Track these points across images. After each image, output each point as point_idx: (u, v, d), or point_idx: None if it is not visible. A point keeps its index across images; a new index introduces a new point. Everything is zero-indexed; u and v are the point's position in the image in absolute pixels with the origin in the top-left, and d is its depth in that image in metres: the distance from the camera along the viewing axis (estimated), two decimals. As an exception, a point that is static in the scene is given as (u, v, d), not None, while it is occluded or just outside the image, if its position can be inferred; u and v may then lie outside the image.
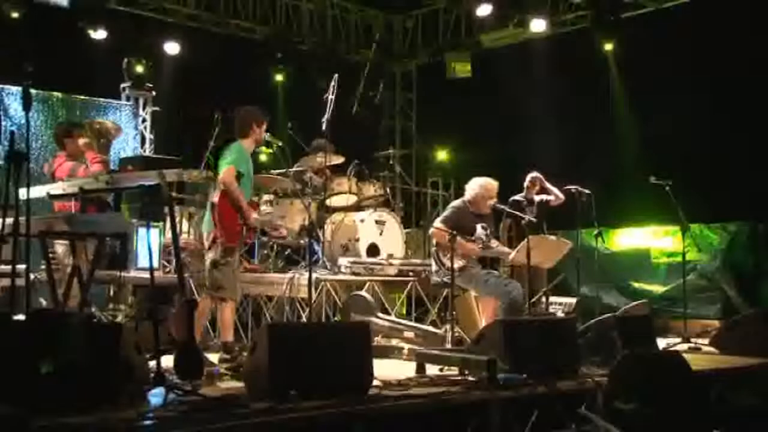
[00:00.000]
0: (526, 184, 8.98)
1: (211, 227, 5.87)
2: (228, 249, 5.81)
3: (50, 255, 5.62)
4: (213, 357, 5.88)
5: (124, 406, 3.87)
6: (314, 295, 6.69)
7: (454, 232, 6.54)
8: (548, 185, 8.85)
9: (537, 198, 8.97)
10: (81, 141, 6.61)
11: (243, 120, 6.11)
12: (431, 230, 7.19)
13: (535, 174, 9.00)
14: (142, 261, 7.89)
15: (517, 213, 7.72)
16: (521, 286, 6.84)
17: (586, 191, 8.19)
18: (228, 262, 5.83)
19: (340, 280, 7.54)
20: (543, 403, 4.63)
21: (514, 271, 7.80)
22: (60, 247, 6.10)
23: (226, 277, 5.84)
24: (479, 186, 7.15)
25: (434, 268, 7.10)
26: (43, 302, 6.27)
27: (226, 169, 5.82)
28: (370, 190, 8.60)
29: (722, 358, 6.68)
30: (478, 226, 6.99)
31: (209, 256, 5.85)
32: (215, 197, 5.84)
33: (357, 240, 7.86)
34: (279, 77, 12.25)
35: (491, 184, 7.18)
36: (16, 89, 9.88)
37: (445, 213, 7.22)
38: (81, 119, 10.17)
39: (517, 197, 8.86)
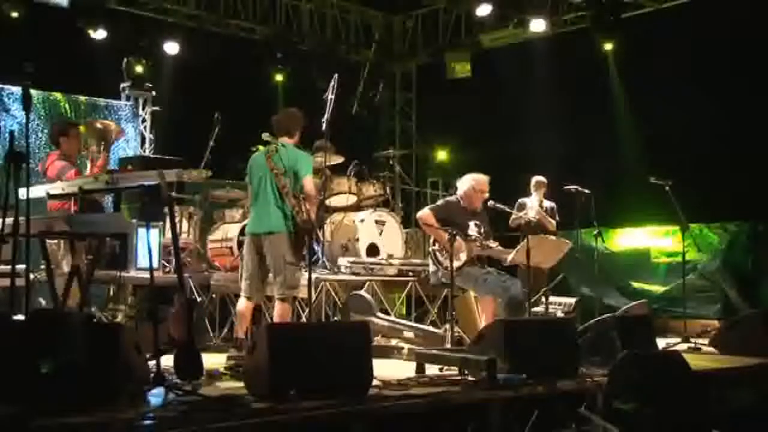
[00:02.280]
0: (532, 187, 9.02)
1: (282, 229, 5.87)
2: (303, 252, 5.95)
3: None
4: (213, 357, 5.88)
5: (124, 406, 3.87)
6: (314, 295, 6.69)
7: (454, 232, 6.53)
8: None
9: (547, 204, 8.99)
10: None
11: (293, 121, 6.18)
12: (418, 214, 7.18)
13: (540, 177, 9.03)
14: (142, 261, 7.88)
15: (515, 212, 7.73)
16: (521, 284, 6.84)
17: (586, 191, 8.19)
18: (302, 264, 6.00)
19: (340, 280, 7.54)
20: (543, 403, 4.63)
21: (518, 271, 7.80)
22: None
23: (299, 278, 6.02)
24: (470, 181, 7.14)
25: (432, 268, 7.10)
26: (42, 302, 6.27)
27: (311, 181, 5.97)
28: (370, 190, 8.60)
29: (722, 358, 6.68)
30: (471, 224, 6.98)
31: (287, 258, 5.85)
32: (306, 211, 5.85)
33: (357, 240, 7.86)
34: (279, 77, 12.25)
35: (482, 178, 7.16)
36: (16, 89, 9.89)
37: (437, 203, 7.27)
38: (81, 119, 10.19)
39: (525, 200, 8.89)
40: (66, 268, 5.38)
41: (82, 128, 6.73)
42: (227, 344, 6.95)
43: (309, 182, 5.96)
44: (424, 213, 7.08)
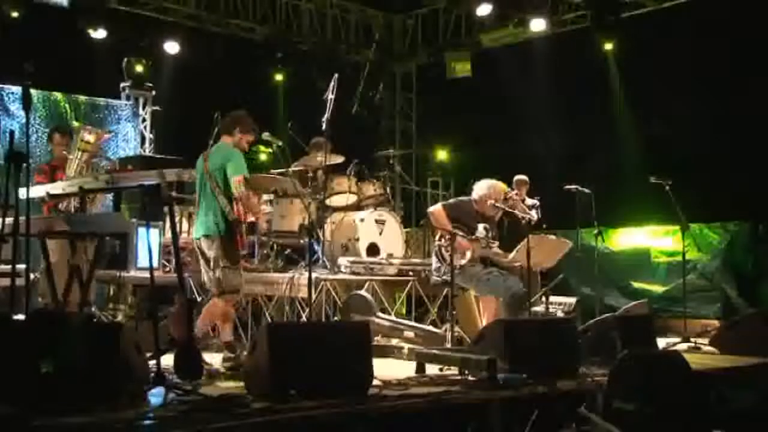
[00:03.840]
0: (514, 184, 9.04)
1: (214, 231, 5.85)
2: (239, 252, 5.91)
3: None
4: (213, 357, 5.88)
5: (124, 406, 3.87)
6: (314, 295, 6.69)
7: (455, 231, 6.54)
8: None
9: (530, 201, 9.00)
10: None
11: (234, 122, 6.10)
12: (430, 209, 7.21)
13: (522, 176, 9.04)
14: (142, 261, 7.88)
15: (516, 212, 7.72)
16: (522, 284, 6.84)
17: (586, 191, 8.18)
18: (240, 264, 5.96)
19: (340, 279, 7.54)
20: (543, 403, 4.63)
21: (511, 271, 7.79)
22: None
23: (238, 279, 5.92)
24: (487, 187, 7.14)
25: (434, 266, 7.10)
26: (41, 300, 6.26)
27: (238, 181, 5.83)
28: (370, 189, 8.60)
29: (722, 358, 6.69)
30: (480, 226, 6.99)
31: (222, 262, 5.83)
32: (234, 211, 5.83)
33: (357, 239, 7.86)
34: (279, 77, 12.27)
35: (499, 186, 7.18)
36: (16, 89, 9.89)
37: (450, 201, 7.29)
38: (82, 119, 10.20)
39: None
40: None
41: (75, 123, 6.69)
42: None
43: (236, 182, 5.80)
44: (436, 208, 7.12)
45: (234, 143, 6.05)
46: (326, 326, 6.06)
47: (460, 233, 6.71)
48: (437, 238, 7.15)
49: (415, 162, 13.73)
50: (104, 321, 6.69)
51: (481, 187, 7.17)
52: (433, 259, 7.15)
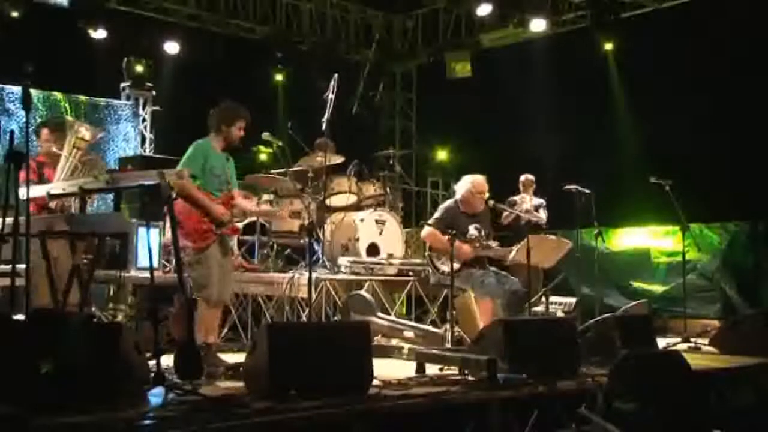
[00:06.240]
0: (520, 185, 9.06)
1: None
2: (197, 249, 5.78)
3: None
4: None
5: (124, 406, 3.86)
6: (314, 295, 6.69)
7: (454, 233, 6.52)
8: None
9: (536, 201, 9.02)
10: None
11: (212, 117, 5.98)
12: (423, 233, 7.17)
13: (529, 176, 9.06)
14: (142, 261, 7.89)
15: (517, 212, 7.74)
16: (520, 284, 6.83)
17: (586, 191, 8.18)
18: (199, 260, 5.78)
19: (340, 279, 7.54)
20: (543, 403, 4.63)
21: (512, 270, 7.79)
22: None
23: (202, 277, 5.76)
24: (467, 184, 7.09)
25: (431, 271, 7.10)
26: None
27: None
28: (370, 189, 8.60)
29: (722, 358, 6.68)
30: (471, 227, 6.94)
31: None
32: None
33: (357, 239, 7.86)
34: (279, 77, 12.29)
35: (479, 179, 7.10)
36: (16, 89, 9.89)
37: (436, 215, 7.17)
38: (82, 119, 10.19)
39: (515, 198, 8.92)
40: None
41: (69, 118, 6.61)
42: (228, 344, 6.96)
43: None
44: (426, 232, 7.01)
45: (221, 138, 5.93)
46: (326, 326, 6.06)
47: (458, 239, 6.63)
48: (428, 246, 7.12)
49: (415, 162, 13.74)
50: (104, 321, 6.68)
51: (462, 186, 7.12)
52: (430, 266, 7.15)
